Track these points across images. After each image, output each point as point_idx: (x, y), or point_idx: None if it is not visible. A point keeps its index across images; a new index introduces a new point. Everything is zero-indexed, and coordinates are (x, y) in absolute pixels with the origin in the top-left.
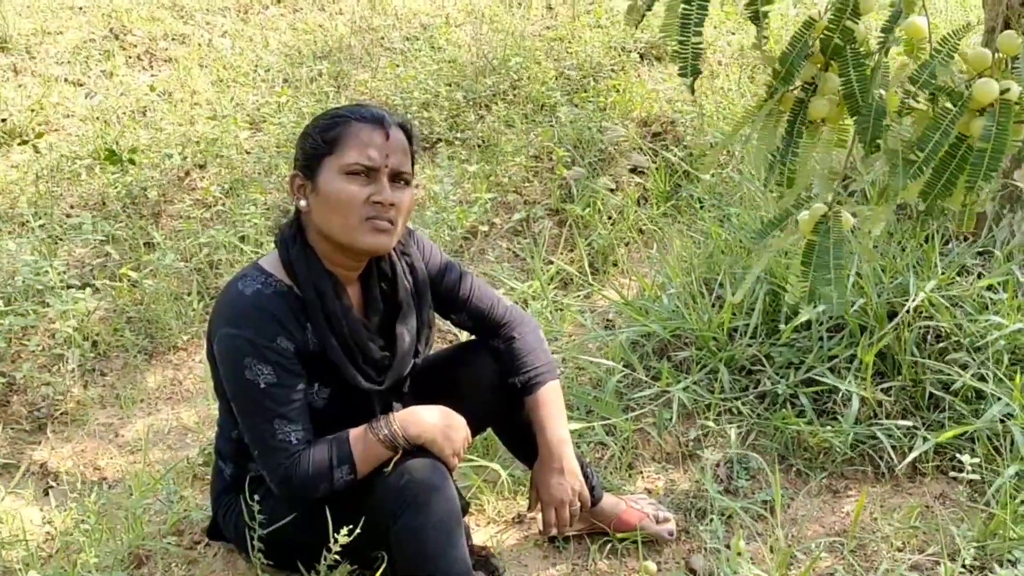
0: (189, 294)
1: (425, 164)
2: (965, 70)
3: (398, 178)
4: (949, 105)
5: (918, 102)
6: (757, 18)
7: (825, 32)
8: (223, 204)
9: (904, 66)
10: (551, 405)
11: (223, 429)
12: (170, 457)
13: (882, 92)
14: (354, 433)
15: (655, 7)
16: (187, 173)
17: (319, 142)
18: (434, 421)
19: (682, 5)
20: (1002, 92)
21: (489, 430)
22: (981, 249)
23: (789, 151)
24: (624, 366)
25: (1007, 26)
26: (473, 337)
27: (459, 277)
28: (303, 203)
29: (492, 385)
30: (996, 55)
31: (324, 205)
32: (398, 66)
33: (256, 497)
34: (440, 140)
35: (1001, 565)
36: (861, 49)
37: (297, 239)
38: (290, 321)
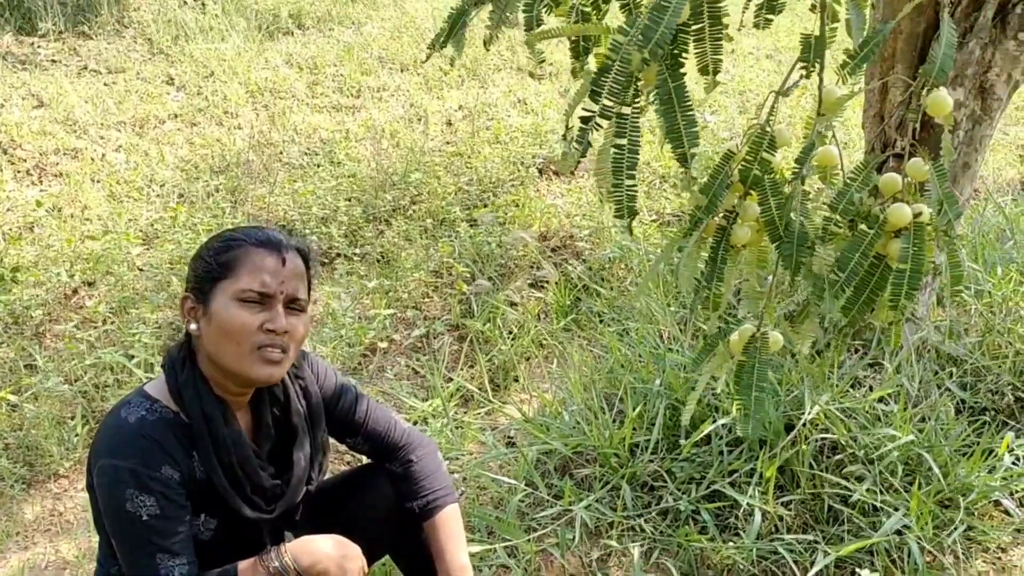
0: (73, 418)
1: (323, 280)
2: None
3: (293, 304)
4: (866, 228)
5: (838, 227)
6: (685, 160)
7: (744, 163)
8: (112, 323)
9: (821, 192)
10: (450, 530)
11: (102, 566)
12: None
13: (802, 219)
14: (243, 566)
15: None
16: (75, 291)
17: (212, 265)
18: (327, 551)
19: (613, 151)
20: (915, 215)
21: (387, 557)
22: (871, 361)
23: (714, 276)
24: (526, 484)
25: (885, 147)
26: (368, 461)
27: (355, 399)
28: (194, 327)
29: (389, 510)
30: (905, 180)
31: (215, 331)
32: (296, 181)
33: None
34: (339, 255)
35: None
36: (777, 178)
37: (186, 363)
38: (175, 449)
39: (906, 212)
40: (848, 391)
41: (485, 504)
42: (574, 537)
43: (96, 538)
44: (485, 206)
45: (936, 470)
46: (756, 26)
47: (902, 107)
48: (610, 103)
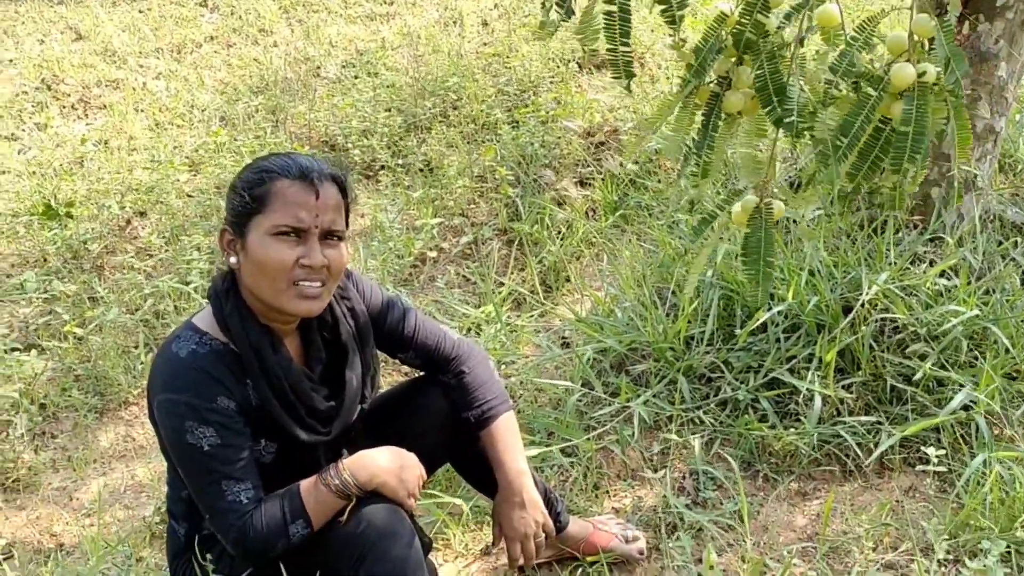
0: (136, 346)
1: (369, 193)
2: (885, 55)
3: (329, 236)
4: (870, 91)
5: (840, 90)
6: (673, 21)
7: (737, 26)
8: (166, 251)
9: (823, 55)
10: (506, 438)
11: (173, 489)
12: (126, 517)
13: (801, 84)
14: (305, 486)
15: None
16: (128, 222)
17: (247, 199)
18: (385, 464)
19: (604, 19)
20: (919, 75)
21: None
22: (931, 236)
23: (705, 143)
24: (583, 385)
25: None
26: (422, 374)
27: (403, 315)
28: (233, 260)
29: (444, 421)
30: (912, 38)
31: (253, 266)
32: (335, 96)
33: (211, 556)
34: (382, 167)
35: (973, 556)
36: (775, 41)
37: (230, 295)
38: (228, 379)
39: (909, 72)
40: (908, 268)
41: (543, 406)
42: (633, 433)
43: (166, 463)
44: (526, 106)
45: (1004, 341)
46: None
47: None
48: None
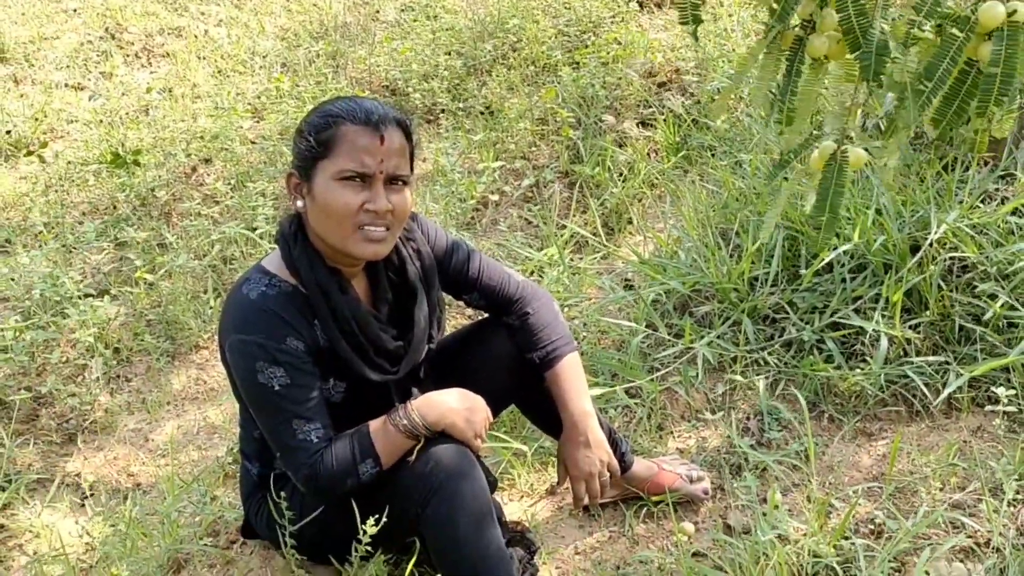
0: (205, 291)
1: (430, 137)
2: None
3: (394, 181)
4: (956, 32)
5: (923, 31)
6: None
7: None
8: (232, 198)
9: None
10: (571, 378)
11: (246, 430)
12: (200, 458)
13: (884, 26)
14: (374, 425)
15: None
16: (193, 169)
17: (312, 143)
18: (453, 405)
19: None
20: (1009, 14)
21: (513, 406)
22: (1003, 173)
23: (788, 90)
24: (646, 326)
25: None
26: (487, 316)
27: (467, 256)
28: (300, 203)
29: (510, 363)
30: None
31: (319, 209)
32: (394, 40)
33: (284, 494)
34: (443, 111)
35: None
36: None
37: (298, 238)
38: (297, 320)
39: (999, 11)
40: (977, 206)
41: (607, 348)
42: (697, 374)
43: (237, 405)
44: (586, 47)
45: None
46: None
47: None
48: None
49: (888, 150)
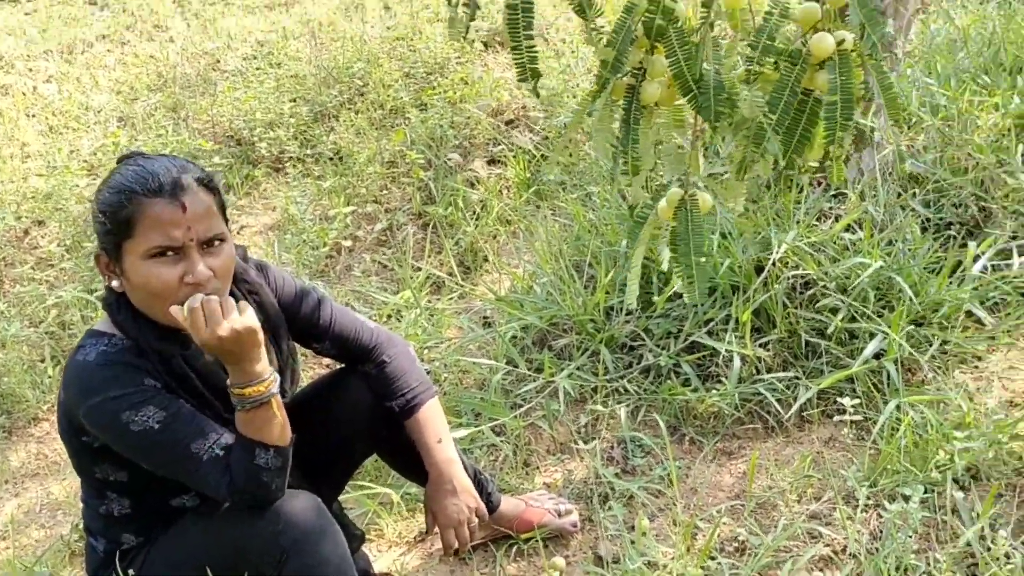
0: (43, 360)
1: (279, 185)
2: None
3: (209, 243)
4: (791, 65)
5: (761, 68)
6: (582, 10)
7: (647, 15)
8: (68, 260)
9: (736, 40)
10: (432, 425)
11: (89, 506)
12: (44, 537)
13: (717, 67)
14: (236, 425)
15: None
16: (26, 232)
17: (111, 226)
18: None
19: (508, 11)
20: (839, 43)
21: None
22: (835, 192)
23: (629, 139)
24: (507, 363)
25: None
26: (343, 366)
27: (317, 304)
28: (115, 283)
29: (369, 412)
30: (824, 7)
31: (136, 289)
32: (237, 89)
33: (132, 572)
34: (291, 158)
35: (892, 500)
36: (685, 27)
37: (123, 307)
38: (147, 365)
39: (828, 41)
40: (815, 225)
41: (468, 388)
42: (559, 407)
43: (80, 479)
44: (433, 88)
45: (907, 291)
46: None
47: None
48: None
49: (734, 192)
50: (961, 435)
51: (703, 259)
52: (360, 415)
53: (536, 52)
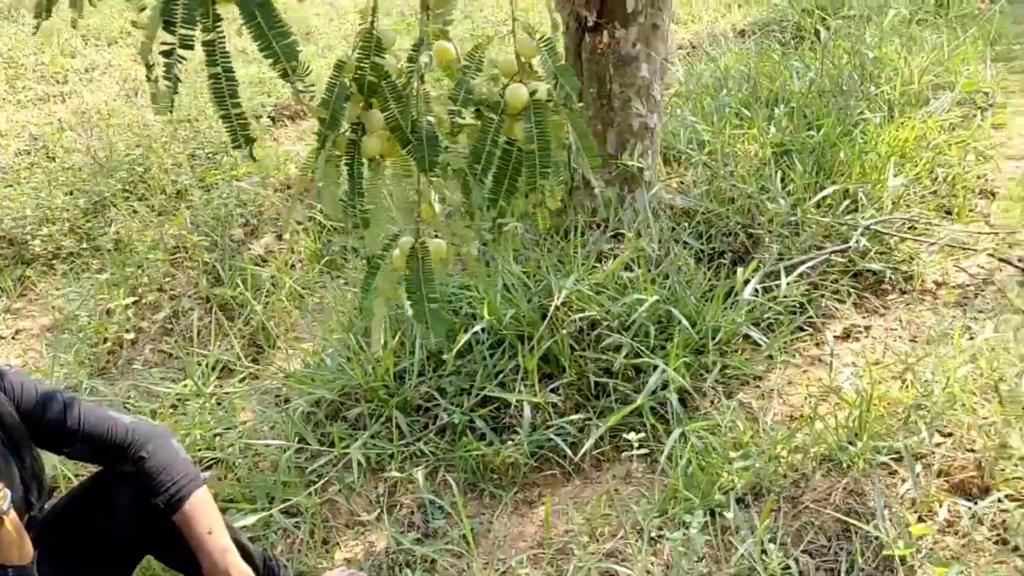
0: None
1: (57, 283)
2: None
3: None
4: (491, 115)
5: (463, 119)
6: (286, 74)
7: (357, 71)
8: None
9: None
10: (202, 516)
11: None
12: None
13: (430, 118)
14: None
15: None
16: None
17: None
18: None
19: (211, 81)
20: (532, 94)
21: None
22: (613, 233)
23: (356, 193)
24: (299, 440)
25: (580, 23)
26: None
27: (64, 407)
28: None
29: (133, 513)
30: (520, 60)
31: None
32: (9, 185)
33: None
34: (69, 254)
35: (678, 528)
36: (399, 81)
37: None
38: None
39: (522, 93)
40: (596, 267)
41: (264, 470)
42: (355, 479)
43: None
44: (217, 167)
45: (684, 322)
46: None
47: None
48: (188, 32)
49: (465, 238)
50: (736, 455)
51: (436, 305)
52: (120, 518)
53: (246, 120)
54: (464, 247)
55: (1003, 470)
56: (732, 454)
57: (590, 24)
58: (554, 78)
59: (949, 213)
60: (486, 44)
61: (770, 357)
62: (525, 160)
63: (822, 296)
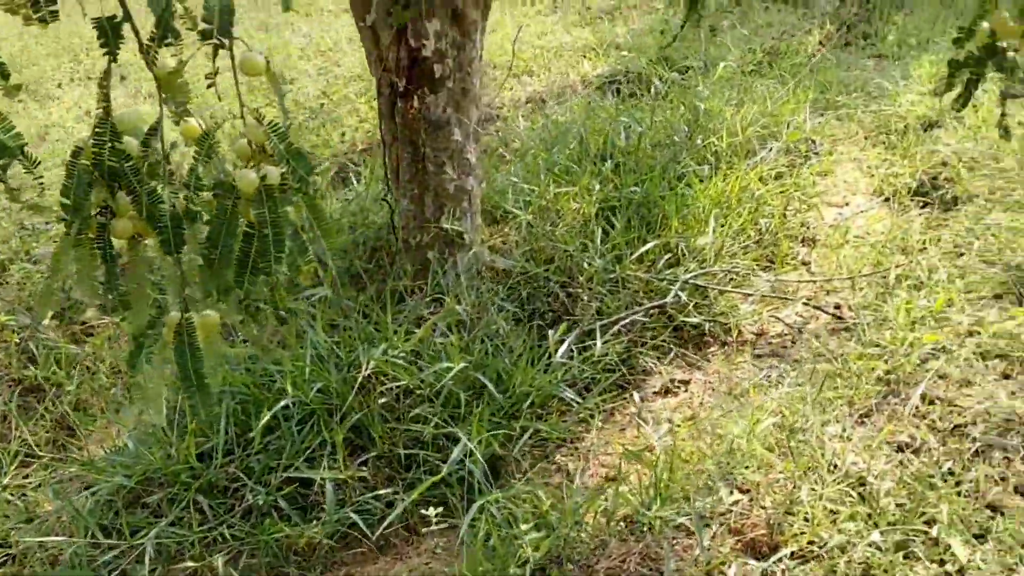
0: None
1: None
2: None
3: None
4: (226, 200)
5: (195, 204)
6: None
7: (94, 157)
8: None
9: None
10: None
11: None
12: None
13: (175, 201)
14: None
15: None
16: None
17: None
18: None
19: None
20: (263, 179)
21: None
22: (433, 297)
23: (110, 276)
24: (92, 536)
25: (392, 88)
26: None
27: None
28: None
29: None
30: (252, 145)
31: None
32: None
33: None
34: None
35: None
36: (138, 164)
37: None
38: None
39: (251, 178)
40: (413, 333)
41: (64, 564)
42: (148, 571)
43: None
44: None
45: (491, 387)
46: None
47: (394, 45)
48: None
49: (229, 311)
50: (527, 527)
51: (206, 379)
52: None
53: None
54: (214, 325)
55: (791, 526)
56: (530, 524)
57: (400, 89)
58: (287, 163)
59: (772, 262)
60: (215, 129)
61: (587, 419)
62: (257, 243)
63: (641, 353)
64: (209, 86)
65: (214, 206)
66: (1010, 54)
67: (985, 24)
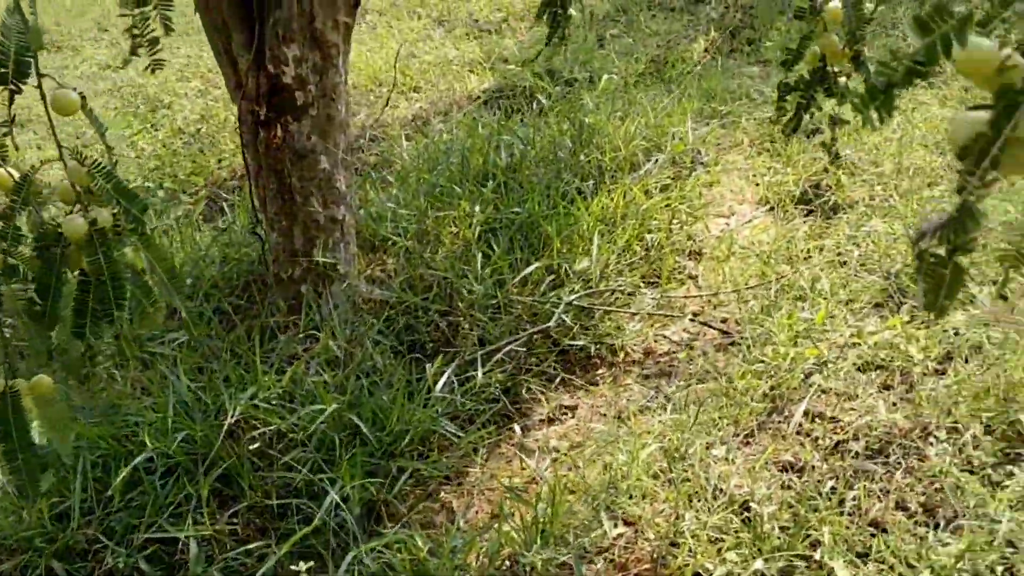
0: None
1: None
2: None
3: None
4: (52, 249)
5: (14, 257)
6: None
7: None
8: None
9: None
10: None
11: None
12: None
13: None
14: None
15: None
16: None
17: None
18: None
19: None
20: (92, 223)
21: None
22: (307, 333)
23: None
24: None
25: (254, 117)
26: None
27: None
28: None
29: None
30: (74, 187)
31: None
32: None
33: None
34: None
35: None
36: None
37: None
38: None
39: (78, 223)
40: (285, 372)
41: None
42: None
43: None
44: None
45: (364, 428)
46: None
47: (253, 72)
48: None
49: (73, 370)
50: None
51: (31, 451)
52: None
53: None
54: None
55: (676, 558)
56: (407, 572)
57: (262, 118)
58: (105, 202)
59: (659, 278)
60: (33, 173)
61: (469, 453)
62: (95, 291)
63: (526, 380)
64: (5, 134)
65: (35, 264)
66: (841, 79)
67: (816, 47)
